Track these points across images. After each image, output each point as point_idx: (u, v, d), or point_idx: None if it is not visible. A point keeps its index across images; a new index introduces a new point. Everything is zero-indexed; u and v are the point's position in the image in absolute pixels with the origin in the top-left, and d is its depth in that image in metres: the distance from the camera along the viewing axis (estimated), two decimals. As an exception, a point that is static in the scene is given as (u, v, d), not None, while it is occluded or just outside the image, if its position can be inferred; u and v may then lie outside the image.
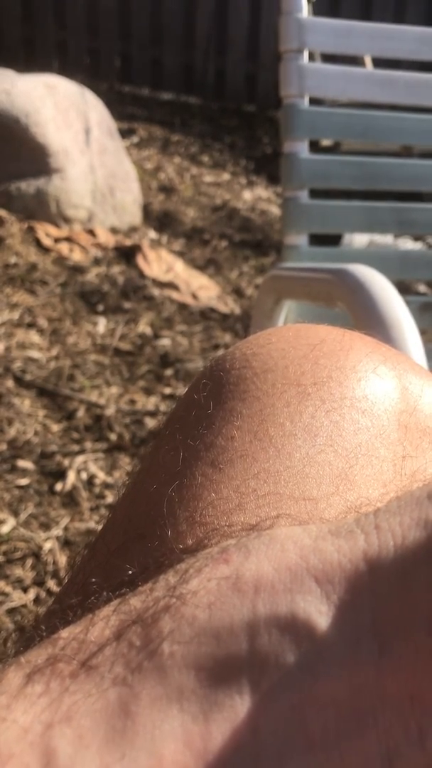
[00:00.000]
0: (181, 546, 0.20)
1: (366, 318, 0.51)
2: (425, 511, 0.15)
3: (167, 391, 1.63)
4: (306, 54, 0.95)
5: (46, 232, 2.20)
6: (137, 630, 0.15)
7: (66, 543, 1.16)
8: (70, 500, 1.25)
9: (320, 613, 0.14)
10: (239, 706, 0.14)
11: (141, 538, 0.22)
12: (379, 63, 2.32)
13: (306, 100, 0.97)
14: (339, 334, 0.27)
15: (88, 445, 1.39)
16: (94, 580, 0.20)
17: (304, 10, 0.94)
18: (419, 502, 0.15)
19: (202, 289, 2.18)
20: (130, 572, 0.18)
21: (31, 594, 1.06)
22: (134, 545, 0.22)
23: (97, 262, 2.17)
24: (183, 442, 0.24)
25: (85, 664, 0.15)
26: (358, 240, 2.15)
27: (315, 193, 0.99)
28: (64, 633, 0.15)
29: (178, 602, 0.15)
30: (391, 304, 0.51)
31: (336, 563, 0.15)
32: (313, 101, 0.98)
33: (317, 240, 1.03)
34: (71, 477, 1.29)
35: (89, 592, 0.18)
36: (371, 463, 0.23)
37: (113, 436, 1.42)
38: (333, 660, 0.14)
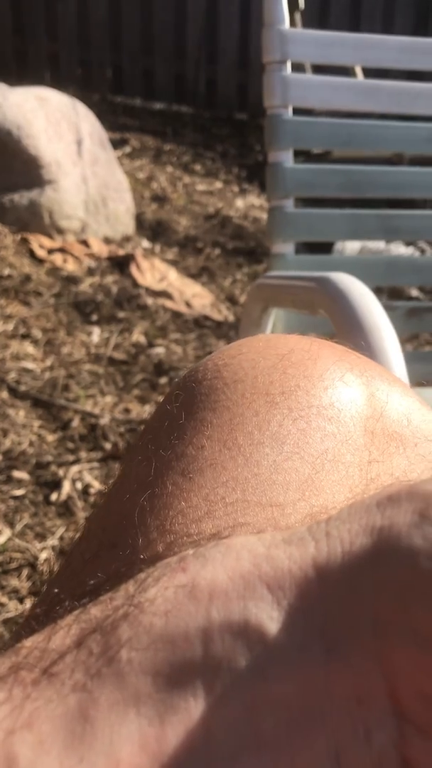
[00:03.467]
0: (149, 554, 0.21)
1: (346, 324, 0.52)
2: (372, 519, 0.15)
3: (162, 399, 1.63)
4: (289, 65, 0.96)
5: (39, 243, 2.21)
6: (97, 638, 0.15)
7: (62, 553, 1.16)
8: (65, 510, 1.25)
9: (271, 619, 0.15)
10: (193, 708, 0.14)
11: (113, 547, 0.22)
12: (367, 73, 2.34)
13: (290, 111, 0.98)
14: (307, 343, 0.28)
15: (83, 454, 1.39)
16: (56, 590, 0.20)
17: (287, 22, 0.95)
18: (368, 510, 0.16)
19: (195, 297, 2.18)
20: (92, 582, 0.19)
21: (28, 604, 1.06)
22: (106, 554, 0.22)
23: (90, 272, 2.18)
24: (155, 452, 0.25)
25: (46, 672, 0.15)
26: (350, 246, 2.16)
27: (303, 202, 1.00)
28: (27, 642, 0.16)
29: (137, 610, 0.15)
30: (370, 311, 0.52)
31: (286, 570, 0.15)
32: (302, 111, 0.99)
33: (309, 247, 1.03)
34: (66, 487, 1.29)
35: (54, 602, 0.18)
36: (337, 469, 0.24)
37: (108, 446, 1.43)
38: (283, 662, 0.14)
